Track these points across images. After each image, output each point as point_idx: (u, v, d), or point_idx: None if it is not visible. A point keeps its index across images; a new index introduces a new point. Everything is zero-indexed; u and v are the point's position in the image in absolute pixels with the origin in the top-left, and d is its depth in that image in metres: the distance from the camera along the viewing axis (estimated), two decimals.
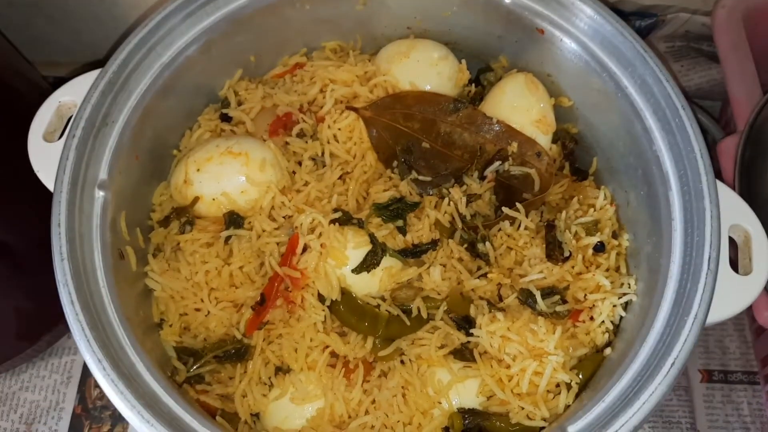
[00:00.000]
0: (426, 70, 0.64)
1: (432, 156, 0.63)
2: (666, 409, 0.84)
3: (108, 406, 0.84)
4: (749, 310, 0.87)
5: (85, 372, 0.86)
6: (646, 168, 0.55)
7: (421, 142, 0.62)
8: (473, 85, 0.67)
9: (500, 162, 0.62)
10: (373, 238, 0.55)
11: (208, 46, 0.60)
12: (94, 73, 0.54)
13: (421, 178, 0.62)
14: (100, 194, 0.52)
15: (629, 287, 0.55)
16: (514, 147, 0.62)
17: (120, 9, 0.86)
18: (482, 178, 0.62)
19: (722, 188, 0.52)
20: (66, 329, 0.85)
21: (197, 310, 0.56)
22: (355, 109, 0.61)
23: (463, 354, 0.55)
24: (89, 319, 0.45)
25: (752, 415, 0.85)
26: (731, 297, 0.49)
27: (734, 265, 0.52)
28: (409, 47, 0.65)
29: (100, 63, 0.55)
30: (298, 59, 0.67)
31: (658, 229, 0.52)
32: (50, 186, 0.51)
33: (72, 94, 0.55)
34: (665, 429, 0.83)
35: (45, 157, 0.53)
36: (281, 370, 0.55)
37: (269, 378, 0.54)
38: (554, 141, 0.65)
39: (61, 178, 0.49)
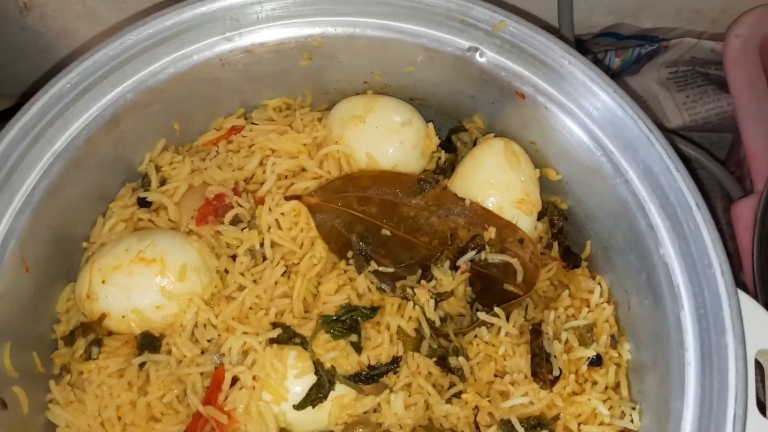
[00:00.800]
0: (386, 138, 0.53)
1: (394, 244, 0.52)
2: None
3: None
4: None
5: None
6: (651, 274, 0.45)
7: (381, 228, 0.52)
8: (443, 152, 0.56)
9: (475, 251, 0.51)
10: (318, 367, 0.45)
11: (117, 121, 0.49)
12: None
13: (381, 269, 0.51)
14: None
15: (632, 421, 0.45)
16: (491, 233, 0.51)
17: (45, 40, 0.75)
18: (454, 267, 0.52)
19: (745, 300, 0.42)
20: None
21: None
22: (298, 197, 0.51)
23: None
24: None
25: None
26: None
27: (760, 399, 0.42)
28: (366, 109, 0.54)
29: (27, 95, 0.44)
30: (234, 121, 0.57)
31: (667, 359, 0.42)
32: None
33: None
34: None
35: None
36: None
37: None
38: (540, 217, 0.54)
39: None
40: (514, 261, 0.51)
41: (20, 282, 0.46)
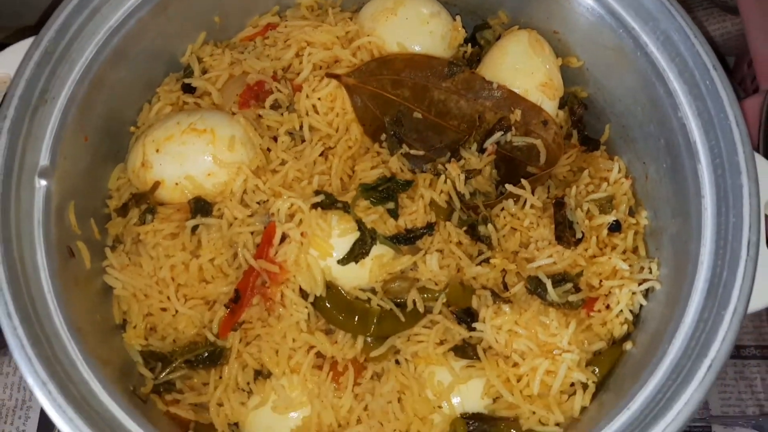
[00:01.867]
0: (416, 28, 0.56)
1: (425, 127, 0.55)
2: None
3: None
4: None
5: None
6: (669, 137, 0.48)
7: (413, 111, 0.55)
8: (469, 45, 0.59)
9: (502, 132, 0.55)
10: (360, 225, 0.49)
11: (164, 6, 0.52)
12: (28, 41, 0.46)
13: (413, 152, 0.55)
14: (41, 183, 0.44)
15: (650, 272, 0.49)
16: (517, 115, 0.55)
17: None
18: (482, 150, 0.55)
19: (758, 160, 0.45)
20: None
21: (163, 309, 0.49)
22: (337, 76, 0.54)
23: (466, 351, 0.49)
24: (30, 333, 0.38)
25: (766, 392, 0.80)
26: None
27: None
28: (396, 3, 0.57)
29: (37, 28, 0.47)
30: (269, 19, 0.59)
31: (685, 209, 0.46)
32: None
33: (3, 66, 0.47)
34: None
35: None
36: (261, 374, 0.49)
37: (248, 384, 0.48)
38: (561, 106, 0.58)
39: None
40: (537, 142, 0.55)
41: (80, 149, 0.48)
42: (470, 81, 0.55)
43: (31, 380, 0.37)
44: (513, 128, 0.55)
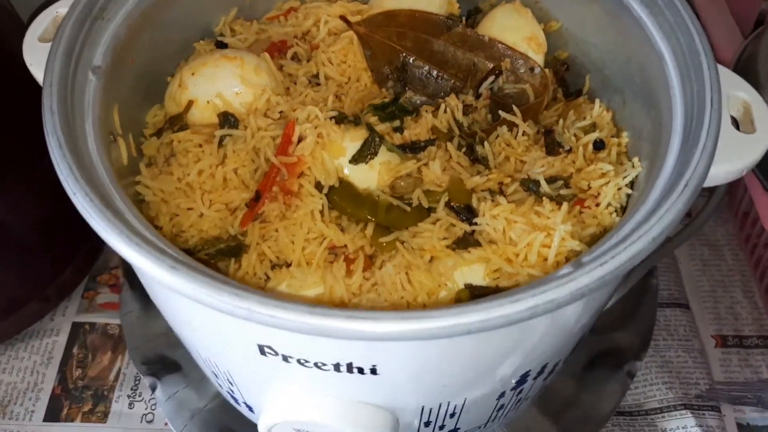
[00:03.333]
0: (417, 2, 0.66)
1: (426, 75, 0.63)
2: (683, 371, 0.80)
3: (89, 385, 0.79)
4: (755, 270, 0.84)
5: (68, 352, 0.81)
6: (636, 54, 0.55)
7: (415, 61, 0.63)
8: (463, 18, 0.68)
9: (494, 77, 0.62)
10: (370, 128, 0.55)
11: None
12: None
13: (416, 97, 0.62)
14: (93, 77, 0.51)
15: (633, 166, 0.53)
16: (507, 63, 0.62)
17: None
18: (477, 96, 0.62)
19: None
20: (49, 309, 0.82)
21: (189, 209, 0.54)
22: (349, 23, 0.62)
23: (468, 242, 0.52)
24: (77, 161, 0.43)
25: None
26: (737, 153, 0.48)
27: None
28: None
29: None
30: (292, 3, 0.69)
31: (656, 103, 0.52)
32: (41, 77, 0.51)
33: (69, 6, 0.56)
34: (683, 388, 0.78)
35: (39, 52, 0.53)
36: (278, 266, 0.52)
37: (265, 273, 0.52)
38: (545, 67, 0.66)
39: (54, 50, 0.49)
40: (526, 86, 0.62)
41: (126, 65, 0.55)
42: (465, 35, 0.63)
43: (70, 184, 0.41)
44: (504, 75, 0.62)
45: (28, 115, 0.72)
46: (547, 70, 0.65)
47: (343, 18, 0.62)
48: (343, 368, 0.43)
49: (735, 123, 0.53)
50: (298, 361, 0.43)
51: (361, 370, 0.43)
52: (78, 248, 0.82)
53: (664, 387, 0.77)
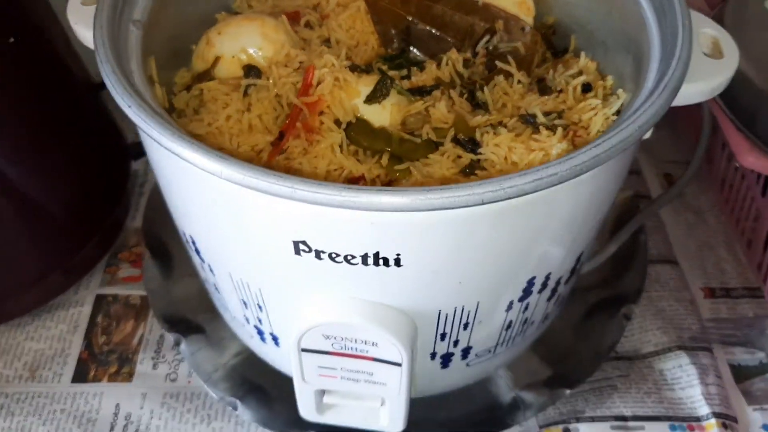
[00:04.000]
0: None
1: (428, 38, 0.70)
2: (675, 317, 0.85)
3: (115, 349, 0.83)
4: (736, 227, 0.90)
5: (92, 321, 0.85)
6: (616, 4, 0.62)
7: (418, 25, 0.70)
8: None
9: (489, 37, 0.69)
10: (381, 72, 0.61)
11: None
12: None
13: (420, 56, 0.68)
14: (133, 29, 0.57)
15: (618, 97, 0.60)
16: (500, 24, 0.69)
17: None
18: (474, 54, 0.69)
19: None
20: (73, 282, 0.86)
21: (220, 149, 0.59)
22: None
23: (474, 169, 0.58)
24: (128, 83, 0.48)
25: (759, 321, 0.86)
26: (708, 75, 0.55)
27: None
28: None
29: None
30: None
31: (637, 44, 0.59)
32: (85, 36, 0.57)
33: None
34: (676, 332, 0.83)
35: (83, 12, 0.59)
36: None
37: None
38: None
39: (101, 6, 0.55)
40: (518, 44, 0.69)
41: (160, 29, 0.62)
42: (462, 0, 0.70)
43: (128, 101, 0.46)
44: (498, 34, 0.69)
45: (58, 92, 0.79)
46: (535, 32, 0.72)
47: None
48: (371, 260, 0.48)
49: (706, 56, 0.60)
50: (330, 256, 0.48)
51: (386, 262, 0.48)
52: (100, 224, 0.87)
53: (659, 332, 0.82)
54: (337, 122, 0.59)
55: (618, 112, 0.60)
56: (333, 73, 0.60)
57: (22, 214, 0.78)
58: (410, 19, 0.70)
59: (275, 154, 0.58)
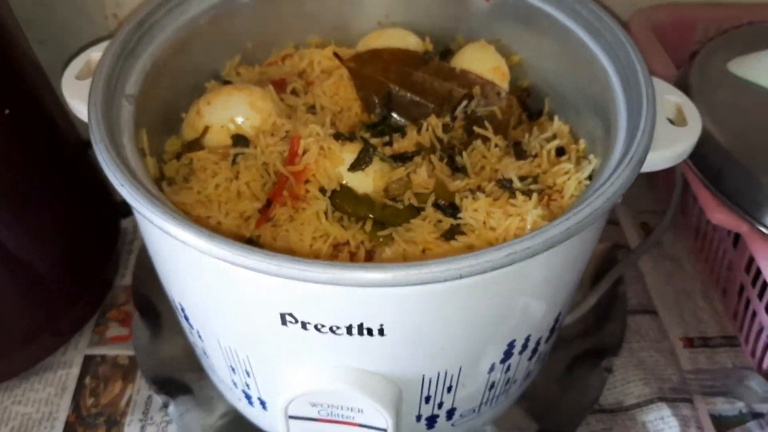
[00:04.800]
0: (397, 44, 0.76)
1: (409, 104, 0.73)
2: (656, 368, 0.87)
3: (102, 412, 0.83)
4: (711, 275, 0.93)
5: (80, 382, 0.86)
6: (585, 72, 0.66)
7: (399, 91, 0.73)
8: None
9: (467, 102, 0.72)
10: (364, 140, 0.63)
11: (217, 20, 0.72)
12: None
13: (401, 121, 0.71)
14: (126, 104, 0.59)
15: (590, 162, 0.63)
16: (477, 90, 0.73)
17: None
18: (453, 119, 0.72)
19: None
20: (62, 343, 0.87)
21: (208, 218, 0.61)
22: (341, 59, 0.72)
23: (454, 233, 0.60)
24: (121, 161, 0.50)
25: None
26: (672, 142, 0.58)
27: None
28: (381, 33, 0.78)
29: None
30: (288, 51, 0.80)
31: (605, 109, 0.62)
32: (80, 110, 0.59)
33: (102, 50, 0.65)
34: (658, 383, 0.85)
35: (77, 87, 0.61)
36: None
37: None
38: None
39: (96, 81, 0.57)
40: (495, 108, 0.72)
41: (153, 99, 0.64)
42: (440, 67, 0.74)
43: (122, 180, 0.48)
44: (476, 99, 0.72)
45: (48, 154, 0.80)
46: (511, 96, 0.76)
47: (336, 54, 0.72)
48: (355, 330, 0.49)
49: (671, 123, 0.63)
50: (315, 327, 0.50)
51: (370, 332, 0.49)
52: (90, 283, 0.88)
53: (641, 383, 0.83)
54: (322, 190, 0.61)
55: (590, 177, 0.63)
56: (318, 142, 0.63)
57: (11, 274, 0.79)
58: (391, 86, 0.73)
59: (263, 222, 0.60)
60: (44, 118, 0.82)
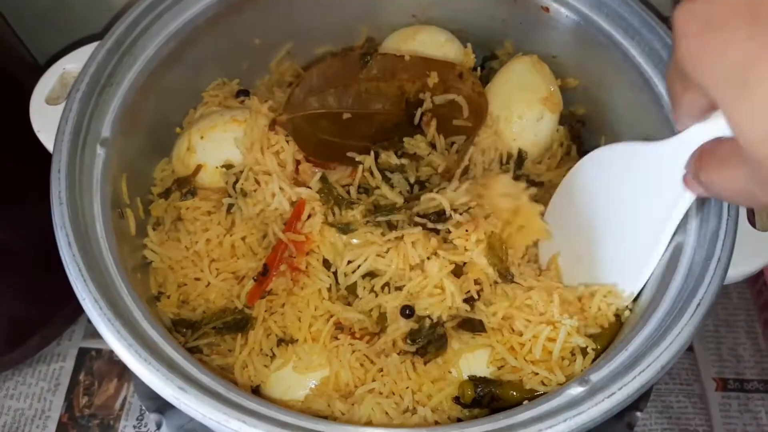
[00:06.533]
0: (431, 52, 0.64)
1: (354, 122, 0.60)
2: (682, 417, 0.80)
3: (96, 414, 0.80)
4: (762, 314, 0.84)
5: (74, 379, 0.82)
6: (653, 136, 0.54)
7: (341, 114, 0.60)
8: (479, 69, 0.66)
9: (422, 104, 0.60)
10: None
11: (216, 20, 0.60)
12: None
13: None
14: (101, 151, 0.50)
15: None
16: (434, 77, 0.60)
17: None
18: (417, 125, 0.60)
19: None
20: (56, 335, 0.82)
21: (197, 279, 0.54)
22: (273, 122, 0.58)
23: (473, 325, 0.52)
24: (86, 261, 0.42)
25: None
26: (752, 252, 0.47)
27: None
28: (415, 31, 0.65)
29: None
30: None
31: None
32: (50, 145, 0.50)
33: (77, 61, 0.54)
34: None
35: (47, 118, 0.52)
36: (284, 341, 0.52)
37: (271, 349, 0.52)
38: (561, 124, 0.64)
39: (63, 128, 0.48)
40: (457, 97, 0.60)
41: (135, 130, 0.55)
42: (383, 62, 0.60)
43: (85, 296, 0.41)
44: (432, 90, 0.60)
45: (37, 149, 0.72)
46: (561, 128, 0.64)
47: (271, 128, 0.58)
48: None
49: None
50: None
51: None
52: None
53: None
54: (326, 262, 0.53)
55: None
56: (324, 206, 0.53)
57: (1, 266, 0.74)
58: (336, 112, 0.59)
59: (257, 296, 0.53)
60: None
